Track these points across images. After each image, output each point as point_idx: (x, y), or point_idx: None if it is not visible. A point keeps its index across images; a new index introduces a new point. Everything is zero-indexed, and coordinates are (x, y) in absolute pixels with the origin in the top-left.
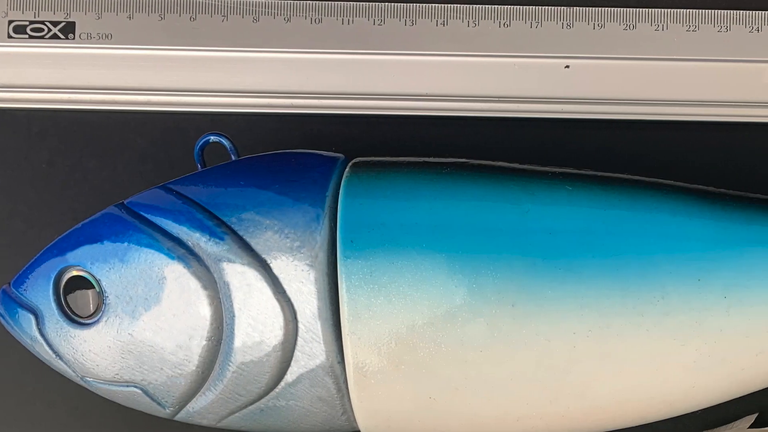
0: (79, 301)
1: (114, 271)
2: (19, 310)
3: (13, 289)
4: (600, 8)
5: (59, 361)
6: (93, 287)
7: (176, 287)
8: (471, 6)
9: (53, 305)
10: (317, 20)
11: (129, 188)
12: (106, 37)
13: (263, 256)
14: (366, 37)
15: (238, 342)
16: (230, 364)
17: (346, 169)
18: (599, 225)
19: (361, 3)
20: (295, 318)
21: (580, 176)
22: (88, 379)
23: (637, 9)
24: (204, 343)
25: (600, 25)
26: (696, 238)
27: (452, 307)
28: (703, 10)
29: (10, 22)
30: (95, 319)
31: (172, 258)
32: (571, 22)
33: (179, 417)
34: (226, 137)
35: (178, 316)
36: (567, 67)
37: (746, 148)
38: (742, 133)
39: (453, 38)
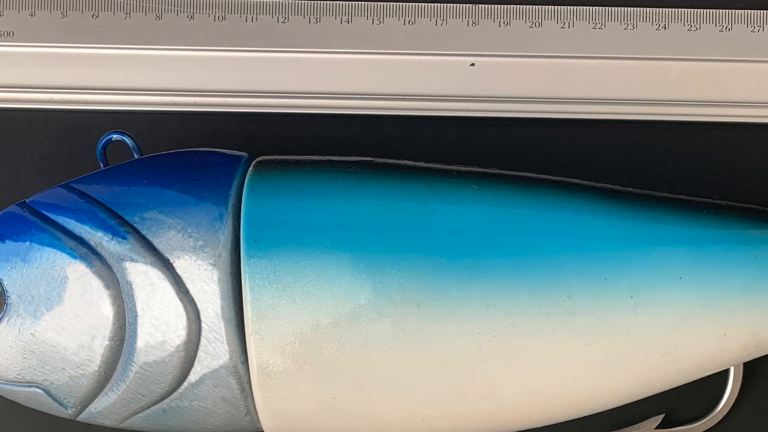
0: None
1: (16, 270)
2: None
3: None
4: (505, 6)
5: None
6: None
7: (78, 287)
8: (376, 3)
9: None
10: (220, 17)
11: (31, 187)
12: (8, 34)
13: (166, 255)
14: (270, 34)
15: (140, 342)
16: (133, 364)
17: (250, 168)
18: (505, 224)
19: (263, 0)
20: (199, 318)
21: (486, 175)
22: None
23: (543, 6)
24: (106, 343)
25: (505, 22)
26: (602, 238)
27: (357, 307)
28: (610, 8)
29: None
30: None
31: (75, 257)
32: (477, 19)
33: (81, 417)
34: (129, 135)
35: (80, 316)
36: (472, 65)
37: (652, 146)
38: (648, 132)
39: (358, 36)
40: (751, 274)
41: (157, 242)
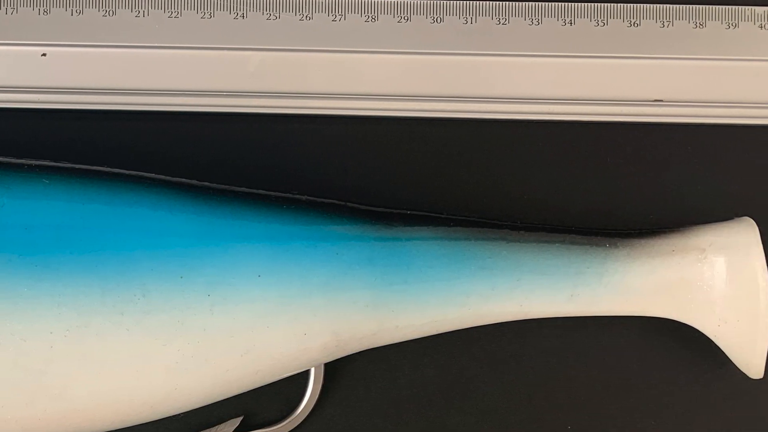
0: None
1: None
2: None
3: None
4: None
5: None
6: None
7: None
8: None
9: None
10: None
11: None
12: None
13: None
14: None
15: None
16: None
17: None
18: (77, 220)
19: None
20: None
21: (58, 169)
22: None
23: None
24: None
25: (78, 11)
26: (178, 234)
27: None
28: None
29: None
30: None
31: None
32: (48, 8)
33: None
34: None
35: None
36: (44, 55)
37: (231, 139)
38: (227, 124)
39: None
40: (332, 272)
41: None
